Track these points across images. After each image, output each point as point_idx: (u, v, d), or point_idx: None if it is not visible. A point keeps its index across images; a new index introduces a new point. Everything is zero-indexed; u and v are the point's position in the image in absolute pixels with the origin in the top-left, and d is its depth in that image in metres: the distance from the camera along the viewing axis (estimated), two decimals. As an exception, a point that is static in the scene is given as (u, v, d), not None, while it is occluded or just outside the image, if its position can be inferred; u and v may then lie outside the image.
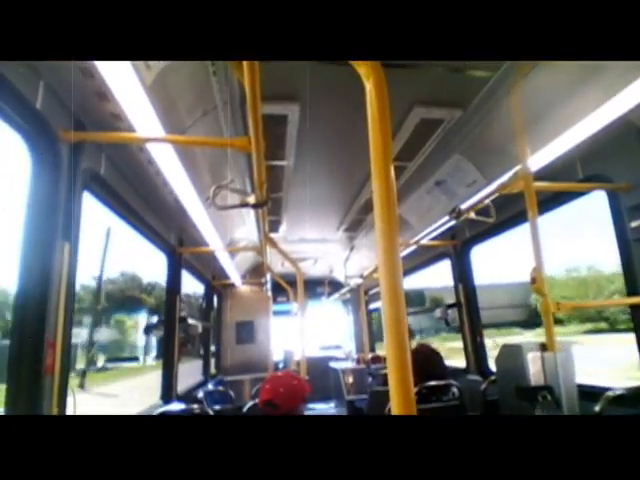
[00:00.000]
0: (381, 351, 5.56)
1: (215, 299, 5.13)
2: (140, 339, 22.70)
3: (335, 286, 6.38)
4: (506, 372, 1.75)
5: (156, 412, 2.03)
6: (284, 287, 4.12)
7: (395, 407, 0.58)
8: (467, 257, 3.22)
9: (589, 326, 19.73)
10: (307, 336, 3.47)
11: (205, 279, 4.36)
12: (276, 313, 5.61)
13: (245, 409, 2.27)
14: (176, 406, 2.31)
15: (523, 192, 1.67)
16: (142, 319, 23.88)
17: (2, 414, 1.19)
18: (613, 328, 18.51)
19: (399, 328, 0.60)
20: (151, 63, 1.30)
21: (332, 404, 5.17)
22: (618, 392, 1.47)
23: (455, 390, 2.37)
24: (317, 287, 6.45)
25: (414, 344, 2.53)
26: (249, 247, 4.02)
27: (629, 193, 1.75)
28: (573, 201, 2.11)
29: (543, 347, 1.61)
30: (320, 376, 4.86)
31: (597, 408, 1.43)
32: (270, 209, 3.16)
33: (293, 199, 3.22)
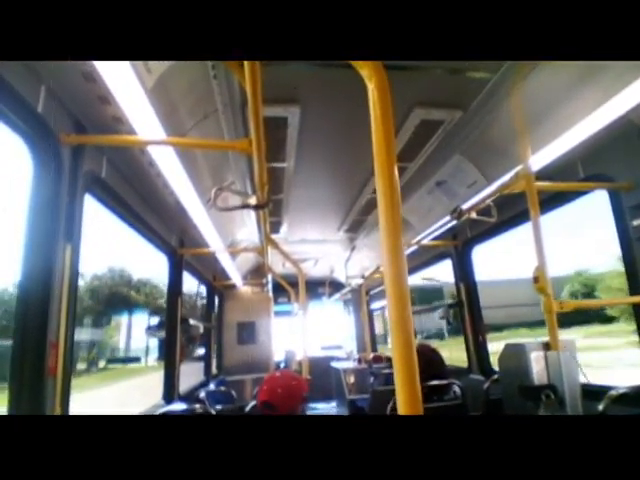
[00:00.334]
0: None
1: (216, 300, 5.14)
2: (122, 341, 21.09)
3: (336, 286, 6.39)
4: (509, 371, 1.75)
5: (158, 412, 2.03)
6: (285, 288, 4.12)
7: (401, 406, 0.59)
8: (469, 257, 3.22)
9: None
10: (309, 336, 3.48)
11: (206, 280, 4.37)
12: (277, 314, 5.62)
13: (247, 409, 2.28)
14: (178, 406, 2.31)
15: (524, 192, 1.67)
16: (128, 319, 21.42)
17: (4, 414, 1.20)
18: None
19: (405, 327, 0.60)
20: (152, 67, 1.31)
21: (333, 404, 5.17)
22: (621, 391, 1.47)
23: (457, 389, 2.37)
24: (318, 287, 6.46)
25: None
26: (250, 248, 4.02)
27: (630, 192, 1.75)
28: (574, 200, 2.12)
29: (547, 346, 1.61)
30: (321, 376, 4.87)
31: (600, 407, 1.43)
32: (271, 210, 3.16)
33: (294, 200, 3.22)
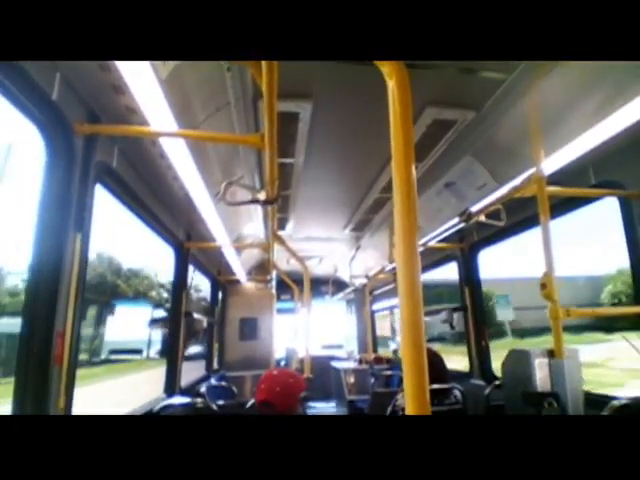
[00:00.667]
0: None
1: (220, 294, 5.15)
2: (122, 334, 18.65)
3: (339, 285, 6.39)
4: (512, 377, 1.74)
5: (160, 405, 2.04)
6: (289, 285, 4.12)
7: (409, 408, 0.58)
8: (475, 260, 3.20)
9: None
10: (311, 335, 3.48)
11: (211, 274, 4.38)
12: (279, 311, 5.63)
13: (248, 405, 2.29)
14: (179, 399, 2.32)
15: (534, 196, 1.66)
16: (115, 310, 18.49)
17: (4, 414, 1.21)
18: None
19: (416, 329, 0.60)
20: None
21: (332, 403, 5.18)
22: (623, 401, 1.46)
23: (457, 394, 2.36)
24: (321, 286, 6.46)
25: None
26: (256, 244, 4.03)
27: None
28: (584, 207, 2.10)
29: (551, 353, 1.60)
30: (321, 375, 4.87)
31: None
32: (279, 206, 3.17)
33: (301, 197, 3.22)
